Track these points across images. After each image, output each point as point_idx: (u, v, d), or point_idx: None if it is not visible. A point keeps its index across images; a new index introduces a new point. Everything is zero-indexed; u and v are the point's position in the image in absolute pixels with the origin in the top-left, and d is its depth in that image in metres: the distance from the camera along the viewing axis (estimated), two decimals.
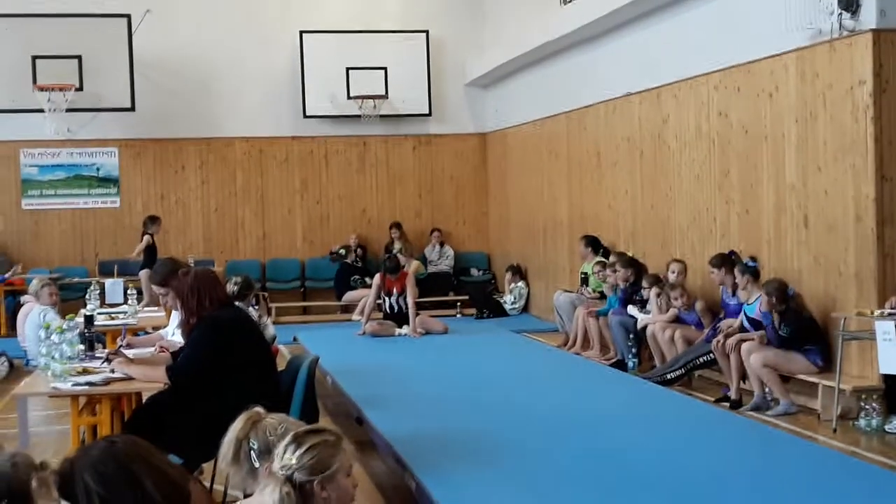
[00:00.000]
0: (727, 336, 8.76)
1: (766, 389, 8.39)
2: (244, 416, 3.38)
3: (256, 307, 7.64)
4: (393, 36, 16.12)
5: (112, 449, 2.46)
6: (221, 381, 5.29)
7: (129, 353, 6.06)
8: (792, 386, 8.57)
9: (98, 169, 15.91)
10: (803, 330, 8.23)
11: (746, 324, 8.77)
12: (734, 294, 9.08)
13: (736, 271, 8.92)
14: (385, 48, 16.04)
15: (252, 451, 3.27)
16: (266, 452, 3.30)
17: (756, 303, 8.63)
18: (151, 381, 5.45)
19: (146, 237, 14.20)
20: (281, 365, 6.19)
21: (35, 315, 7.03)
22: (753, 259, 8.91)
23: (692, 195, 10.42)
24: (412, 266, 14.60)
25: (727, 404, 8.59)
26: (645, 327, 10.12)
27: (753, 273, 8.75)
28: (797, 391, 8.55)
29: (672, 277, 9.98)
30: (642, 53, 11.36)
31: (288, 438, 3.04)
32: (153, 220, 14.48)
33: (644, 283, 10.38)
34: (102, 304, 9.56)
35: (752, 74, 9.32)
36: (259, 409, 3.47)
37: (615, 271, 11.01)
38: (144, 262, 13.84)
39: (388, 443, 6.75)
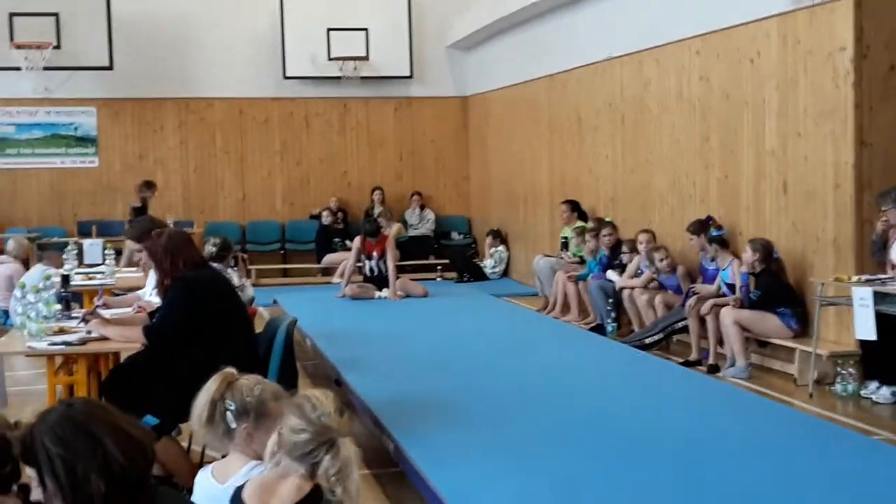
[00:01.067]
0: (701, 299, 8.81)
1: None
2: (217, 376, 3.37)
3: (235, 268, 7.61)
4: None
5: (69, 411, 2.44)
6: (197, 341, 5.28)
7: (107, 313, 6.03)
8: (769, 350, 8.63)
9: (76, 128, 15.77)
10: (776, 293, 8.28)
11: (724, 289, 8.82)
12: (713, 259, 9.12)
13: (703, 240, 8.97)
14: (366, 9, 15.91)
15: (228, 412, 3.27)
16: (243, 413, 3.29)
17: (729, 268, 8.68)
18: (127, 342, 5.43)
19: (141, 199, 14.14)
20: (260, 327, 6.18)
21: (36, 274, 6.98)
22: (719, 227, 8.96)
23: (672, 160, 10.42)
24: (393, 229, 14.58)
25: (703, 368, 8.63)
26: (622, 290, 10.16)
27: (720, 242, 8.82)
28: (772, 355, 8.61)
29: (641, 248, 10.02)
30: (624, 17, 11.31)
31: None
32: (148, 185, 14.38)
33: (624, 248, 10.40)
34: (80, 264, 9.49)
35: (734, 39, 9.29)
36: (232, 369, 3.46)
37: (597, 237, 11.03)
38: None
39: (366, 405, 6.77)
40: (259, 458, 3.29)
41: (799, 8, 8.31)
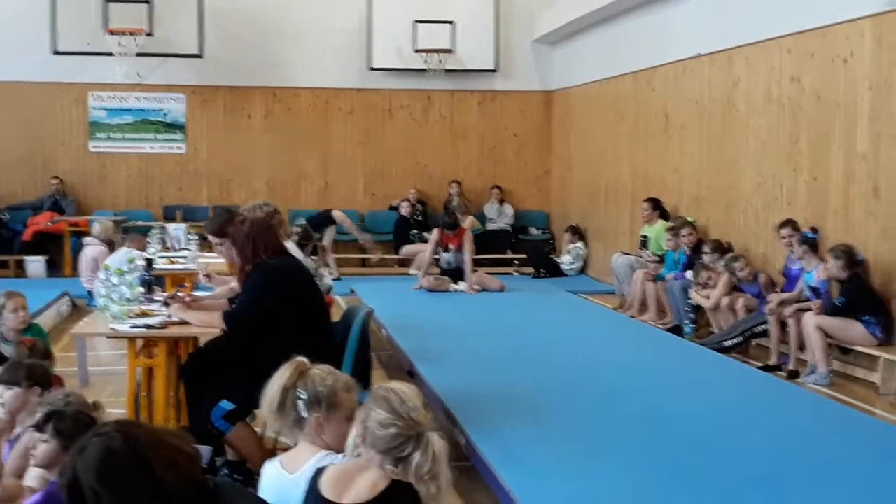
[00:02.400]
0: (783, 303, 8.64)
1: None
2: (290, 365, 3.38)
3: (315, 258, 7.67)
4: None
5: (108, 442, 2.23)
6: (275, 328, 5.32)
7: (198, 294, 6.14)
8: (852, 358, 8.44)
9: (165, 114, 16.05)
10: (861, 300, 8.08)
11: (808, 292, 8.64)
12: (799, 259, 8.90)
13: (794, 241, 8.77)
14: (453, 2, 15.90)
15: (300, 401, 3.28)
16: (315, 403, 3.29)
17: (815, 271, 8.50)
18: (207, 327, 5.50)
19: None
20: (337, 316, 6.22)
21: (121, 257, 7.10)
22: (814, 230, 8.76)
23: (759, 161, 10.23)
24: (467, 222, 14.57)
25: (782, 373, 8.47)
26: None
27: (812, 244, 8.62)
28: (855, 363, 8.41)
29: (706, 259, 9.83)
30: (714, 14, 11.13)
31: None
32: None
33: (706, 249, 10.24)
34: (164, 248, 9.66)
35: (827, 39, 9.08)
36: (304, 359, 3.48)
37: (677, 235, 10.87)
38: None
39: (438, 397, 6.78)
40: (329, 448, 3.30)
41: (895, 9, 8.08)
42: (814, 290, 8.58)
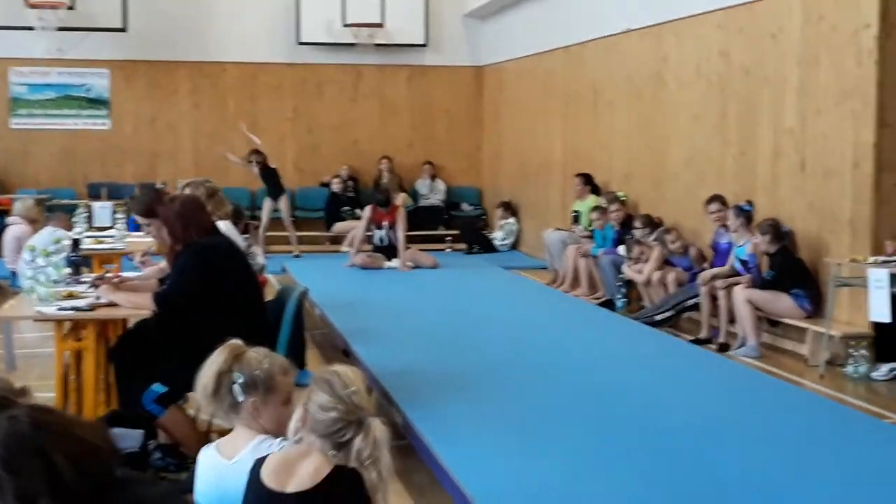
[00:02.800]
0: (715, 277, 8.74)
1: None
2: (224, 348, 3.29)
3: (246, 236, 7.54)
4: None
5: (14, 426, 2.13)
6: (208, 309, 5.21)
7: (127, 274, 6.00)
8: (780, 330, 8.57)
9: (88, 90, 15.69)
10: (790, 273, 8.20)
11: (738, 265, 8.74)
12: (734, 231, 8.96)
13: (730, 213, 8.86)
14: None
15: (236, 385, 3.20)
16: (252, 387, 3.22)
17: (746, 245, 8.60)
18: (137, 308, 5.38)
19: (254, 167, 14.29)
20: (269, 294, 6.14)
21: (45, 236, 6.91)
22: (749, 203, 8.85)
23: (688, 136, 10.31)
24: (399, 198, 14.49)
25: (713, 346, 8.57)
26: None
27: (748, 216, 8.70)
28: (783, 335, 8.55)
29: (637, 234, 9.90)
30: None
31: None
32: (256, 153, 14.46)
33: (636, 224, 10.31)
34: (90, 227, 9.44)
35: (756, 14, 9.16)
36: (238, 341, 3.39)
37: (605, 213, 10.93)
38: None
39: (374, 376, 6.73)
40: (266, 432, 3.24)
41: None
42: (744, 262, 8.68)
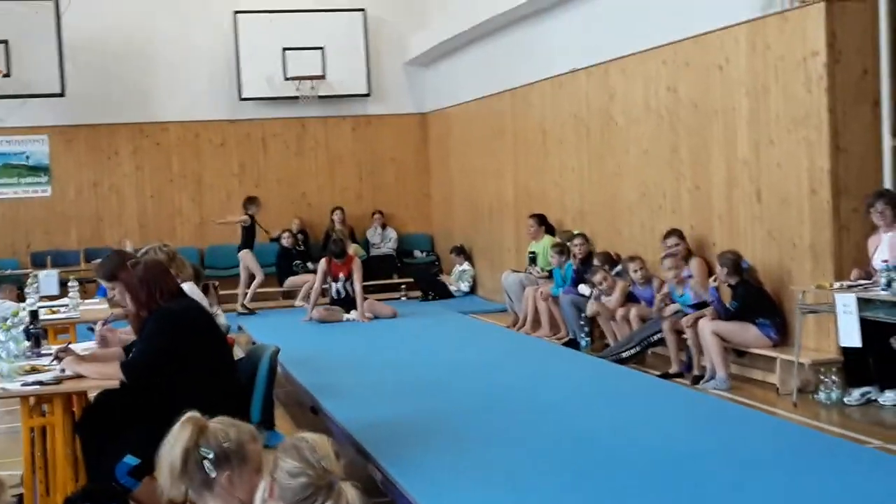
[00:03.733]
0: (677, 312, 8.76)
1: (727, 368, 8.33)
2: (185, 423, 3.08)
3: (206, 297, 7.37)
4: (329, 15, 15.82)
5: None
6: (179, 375, 5.05)
7: (78, 347, 5.79)
8: (747, 360, 8.56)
9: (28, 157, 15.41)
10: (754, 303, 8.21)
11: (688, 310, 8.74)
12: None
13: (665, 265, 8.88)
14: (322, 27, 15.74)
15: (206, 461, 3.01)
16: (224, 460, 3.04)
17: (687, 291, 8.71)
18: (105, 379, 5.19)
19: (245, 217, 14.11)
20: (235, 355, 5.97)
21: None
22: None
23: (641, 172, 10.34)
24: (350, 249, 14.38)
25: (685, 381, 8.54)
26: (597, 313, 10.04)
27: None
28: (751, 365, 8.54)
29: (634, 276, 9.82)
30: (589, 28, 11.24)
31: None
32: (252, 200, 14.34)
33: (595, 262, 10.29)
34: (41, 298, 9.18)
35: (702, 47, 9.24)
36: (196, 413, 3.19)
37: (561, 252, 10.87)
38: (243, 242, 14.08)
39: (347, 432, 6.58)
40: (242, 502, 3.08)
41: (768, 14, 8.26)
42: (693, 306, 8.72)
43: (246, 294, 14.15)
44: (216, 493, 3.03)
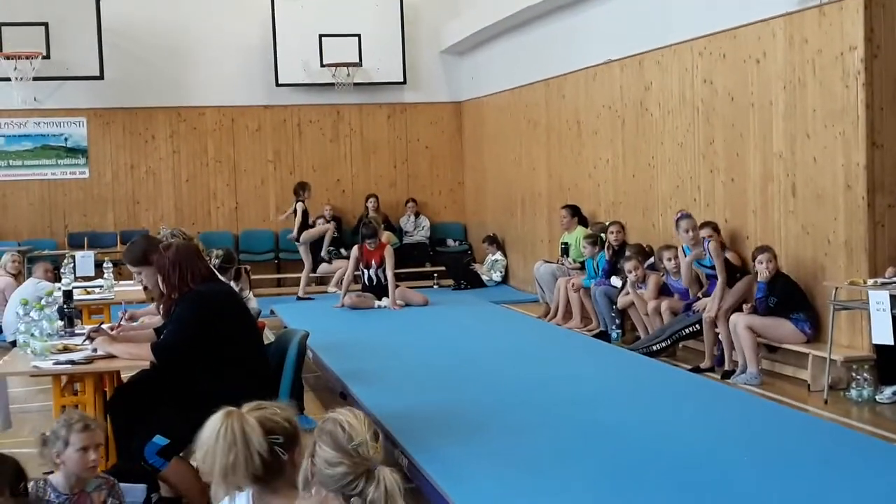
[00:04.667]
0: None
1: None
2: (227, 419, 2.97)
3: (238, 281, 7.44)
4: (366, 2, 15.84)
5: None
6: (209, 357, 5.11)
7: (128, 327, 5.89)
8: (779, 356, 8.51)
9: (66, 139, 15.57)
10: (791, 298, 8.16)
11: (710, 272, 8.70)
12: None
13: (681, 227, 8.81)
14: (358, 15, 15.76)
15: (276, 447, 2.97)
16: (290, 441, 3.01)
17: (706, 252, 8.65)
18: (136, 360, 5.26)
19: (299, 204, 14.17)
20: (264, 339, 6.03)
21: (30, 288, 6.81)
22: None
23: (676, 164, 10.29)
24: (384, 237, 14.41)
25: (716, 375, 8.51)
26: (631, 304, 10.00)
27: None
28: (783, 360, 8.49)
29: (668, 265, 9.77)
30: (624, 19, 11.19)
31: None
32: (303, 186, 14.40)
33: (627, 253, 10.25)
34: (76, 278, 9.30)
35: (739, 40, 9.17)
36: (233, 409, 3.12)
37: (594, 243, 10.84)
38: (300, 229, 14.03)
39: (375, 418, 6.60)
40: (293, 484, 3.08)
41: (805, 8, 8.19)
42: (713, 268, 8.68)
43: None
44: (287, 475, 2.98)
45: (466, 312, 11.86)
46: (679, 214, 9.11)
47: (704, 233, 8.95)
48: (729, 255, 8.76)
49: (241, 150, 16.07)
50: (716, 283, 8.80)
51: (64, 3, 14.38)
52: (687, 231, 8.89)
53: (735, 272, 8.62)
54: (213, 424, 2.90)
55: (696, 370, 8.66)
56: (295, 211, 14.22)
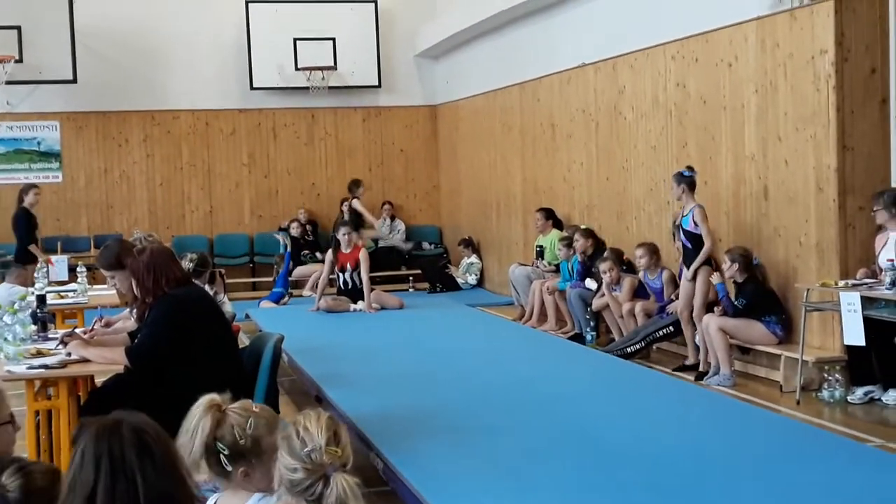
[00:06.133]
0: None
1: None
2: (205, 411, 3.06)
3: (212, 285, 7.42)
4: (341, 6, 15.85)
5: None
6: (183, 361, 5.11)
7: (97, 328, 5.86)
8: (752, 357, 8.58)
9: (39, 143, 15.47)
10: (761, 301, 8.22)
11: (683, 238, 8.67)
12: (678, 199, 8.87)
13: (672, 180, 8.76)
14: (333, 18, 15.76)
15: (222, 456, 3.04)
16: (239, 457, 3.06)
17: (690, 214, 8.58)
18: (110, 364, 5.24)
19: (355, 201, 14.21)
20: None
21: (3, 293, 6.75)
22: (690, 169, 8.77)
23: (649, 167, 10.35)
24: (361, 238, 14.38)
25: (690, 376, 8.56)
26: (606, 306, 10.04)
27: (690, 183, 8.65)
28: (755, 362, 8.56)
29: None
30: (598, 23, 11.25)
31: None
32: (357, 183, 14.54)
33: (605, 254, 10.28)
34: (50, 282, 9.24)
35: (711, 44, 9.24)
36: (215, 396, 3.20)
37: (569, 245, 10.89)
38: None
39: (350, 421, 6.61)
40: (261, 490, 3.11)
41: (777, 12, 8.27)
42: (687, 234, 8.61)
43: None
44: (234, 484, 3.04)
45: (442, 316, 11.87)
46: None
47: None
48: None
49: (216, 153, 16.02)
50: (684, 268, 8.81)
51: (37, 6, 14.28)
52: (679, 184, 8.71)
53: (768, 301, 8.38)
54: (193, 408, 3.09)
55: (682, 368, 8.74)
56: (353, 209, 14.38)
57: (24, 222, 12.55)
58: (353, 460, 2.69)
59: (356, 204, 14.48)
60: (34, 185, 13.04)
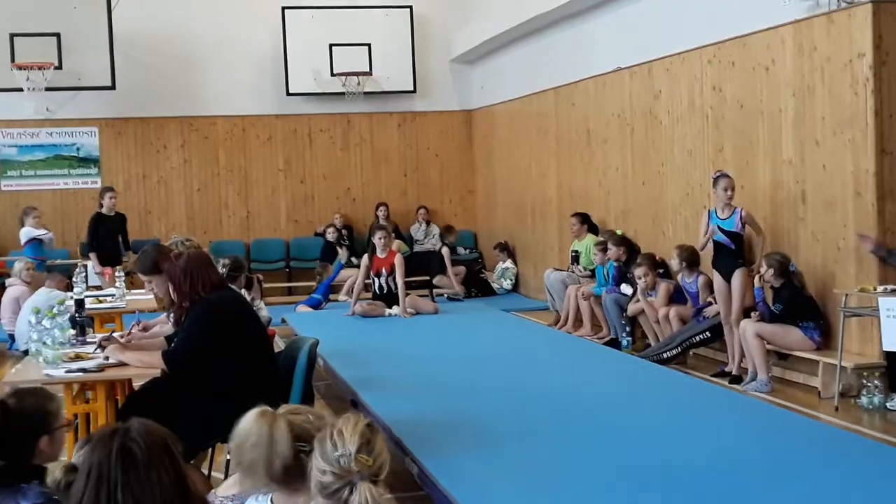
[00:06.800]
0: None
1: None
2: (266, 420, 3.05)
3: (250, 290, 7.47)
4: (376, 11, 15.92)
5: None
6: (220, 366, 5.15)
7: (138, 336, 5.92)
8: (789, 363, 8.51)
9: (78, 149, 15.65)
10: (798, 307, 8.15)
11: (723, 237, 8.62)
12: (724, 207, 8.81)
13: (723, 179, 8.67)
14: (368, 24, 15.83)
15: (302, 454, 3.01)
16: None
17: (734, 217, 8.55)
18: (147, 367, 5.29)
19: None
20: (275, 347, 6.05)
21: (42, 297, 6.83)
22: (721, 172, 8.82)
23: (685, 171, 10.30)
24: (394, 245, 14.39)
25: (725, 381, 8.51)
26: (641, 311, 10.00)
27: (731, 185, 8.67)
28: (793, 368, 8.49)
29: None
30: (633, 27, 11.21)
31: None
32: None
33: (638, 259, 10.24)
34: (88, 287, 9.36)
35: (748, 48, 9.18)
36: (267, 408, 3.19)
37: (604, 250, 10.86)
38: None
39: (386, 426, 6.61)
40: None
41: (815, 15, 8.20)
42: (730, 234, 8.59)
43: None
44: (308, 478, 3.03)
45: (477, 321, 11.85)
46: (717, 174, 8.82)
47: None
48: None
49: (252, 159, 16.13)
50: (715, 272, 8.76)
51: (76, 13, 14.47)
52: (725, 190, 8.63)
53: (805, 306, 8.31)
54: (247, 421, 3.03)
55: (722, 374, 8.72)
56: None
57: (91, 226, 12.92)
58: (388, 467, 2.70)
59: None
60: (110, 189, 13.24)
